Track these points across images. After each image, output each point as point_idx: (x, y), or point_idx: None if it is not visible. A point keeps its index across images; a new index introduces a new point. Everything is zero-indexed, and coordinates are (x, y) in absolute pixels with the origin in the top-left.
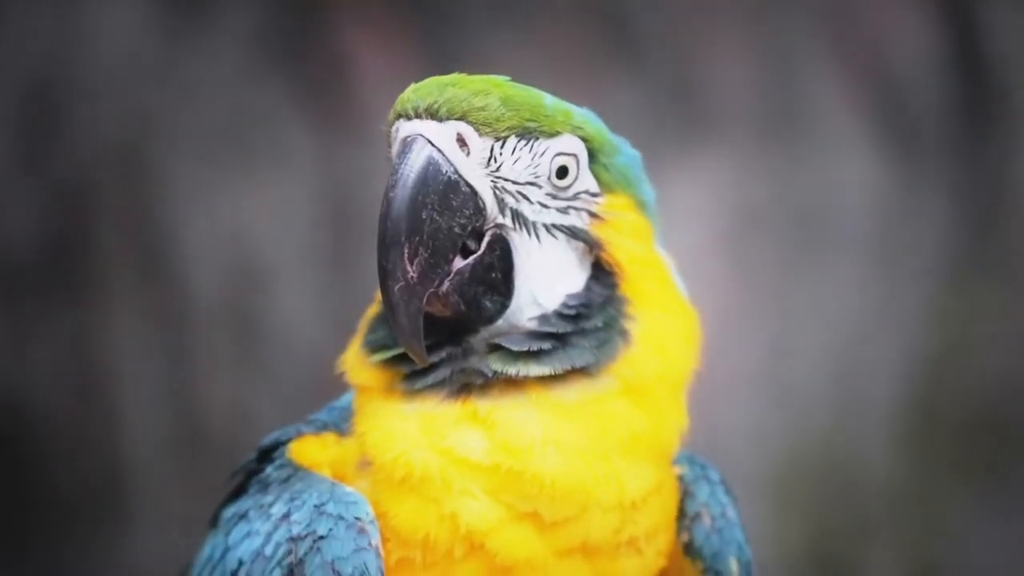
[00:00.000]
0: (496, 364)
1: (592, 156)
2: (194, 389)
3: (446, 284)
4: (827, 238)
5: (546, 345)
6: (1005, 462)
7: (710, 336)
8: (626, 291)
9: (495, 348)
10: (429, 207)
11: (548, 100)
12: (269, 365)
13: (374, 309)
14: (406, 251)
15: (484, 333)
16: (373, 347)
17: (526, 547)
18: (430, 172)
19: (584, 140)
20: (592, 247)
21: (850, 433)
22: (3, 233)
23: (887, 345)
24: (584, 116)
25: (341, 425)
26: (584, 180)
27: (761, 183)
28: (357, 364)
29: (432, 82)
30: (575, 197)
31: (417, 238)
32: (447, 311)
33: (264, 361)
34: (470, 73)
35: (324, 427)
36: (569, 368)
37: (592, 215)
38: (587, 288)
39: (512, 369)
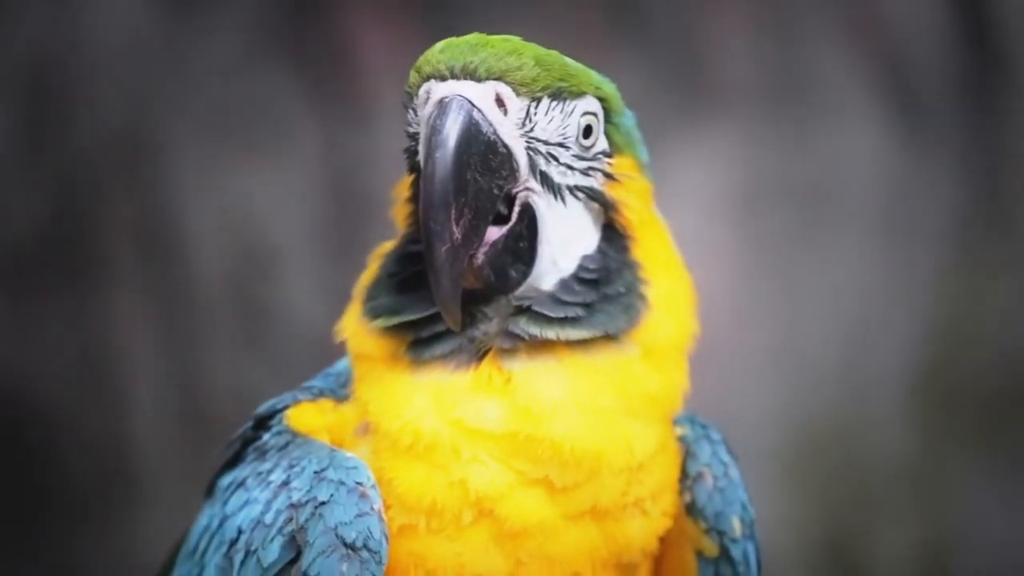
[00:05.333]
0: (532, 328)
1: (606, 116)
2: (199, 372)
3: (480, 255)
4: (835, 209)
5: (579, 311)
6: (1017, 434)
7: (719, 309)
8: (637, 255)
9: (522, 312)
10: (472, 168)
11: (568, 60)
12: (274, 347)
13: (368, 276)
14: (453, 212)
15: (501, 300)
16: (376, 313)
17: (536, 512)
18: (472, 133)
19: (601, 100)
20: (607, 209)
21: (861, 406)
22: (6, 218)
23: (897, 317)
24: (599, 76)
25: (337, 391)
26: (601, 140)
27: (768, 155)
28: (358, 331)
29: (460, 42)
30: (594, 158)
31: (463, 199)
32: (478, 284)
33: (269, 343)
34: None
35: (320, 394)
36: (602, 333)
37: (607, 176)
38: (600, 251)
39: (550, 332)
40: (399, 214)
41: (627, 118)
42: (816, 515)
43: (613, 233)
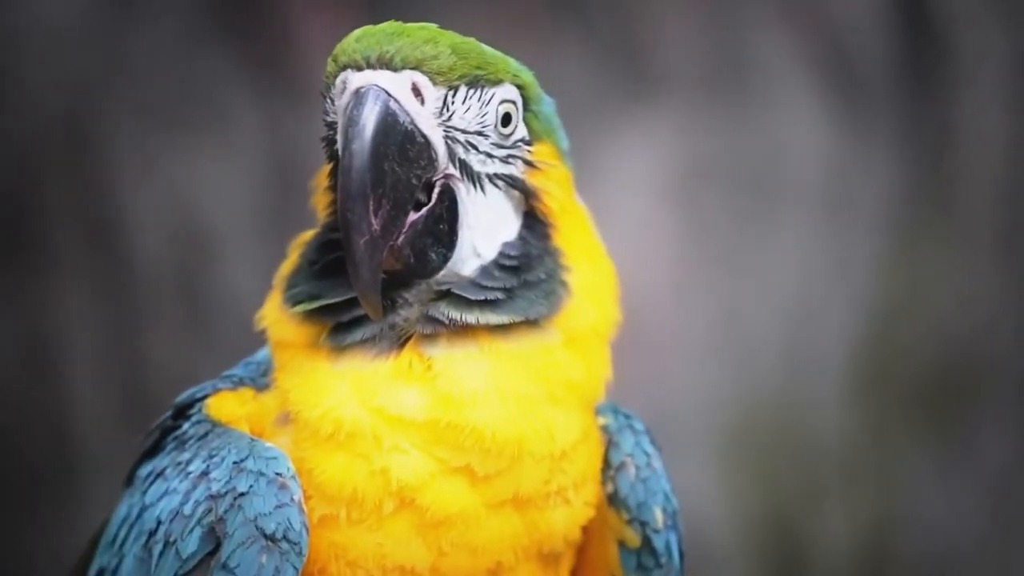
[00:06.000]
0: (452, 312)
1: (525, 104)
2: (142, 357)
3: (401, 237)
4: (776, 194)
5: (499, 295)
6: (956, 418)
7: (661, 291)
8: (559, 242)
9: (443, 296)
10: (390, 158)
11: (485, 47)
12: (217, 332)
13: (288, 265)
14: (371, 204)
15: (422, 285)
16: (296, 300)
17: (458, 501)
18: (389, 123)
19: (520, 87)
20: (527, 196)
21: (802, 388)
22: None
23: (838, 299)
24: (517, 64)
25: (258, 380)
26: (520, 128)
27: (709, 140)
28: (278, 319)
29: (376, 31)
30: (514, 145)
31: (380, 190)
32: (397, 265)
33: (212, 328)
34: None
35: (240, 382)
36: (522, 319)
37: (527, 163)
38: (521, 238)
39: (470, 317)
40: (319, 203)
41: (546, 105)
42: (757, 496)
43: (534, 220)
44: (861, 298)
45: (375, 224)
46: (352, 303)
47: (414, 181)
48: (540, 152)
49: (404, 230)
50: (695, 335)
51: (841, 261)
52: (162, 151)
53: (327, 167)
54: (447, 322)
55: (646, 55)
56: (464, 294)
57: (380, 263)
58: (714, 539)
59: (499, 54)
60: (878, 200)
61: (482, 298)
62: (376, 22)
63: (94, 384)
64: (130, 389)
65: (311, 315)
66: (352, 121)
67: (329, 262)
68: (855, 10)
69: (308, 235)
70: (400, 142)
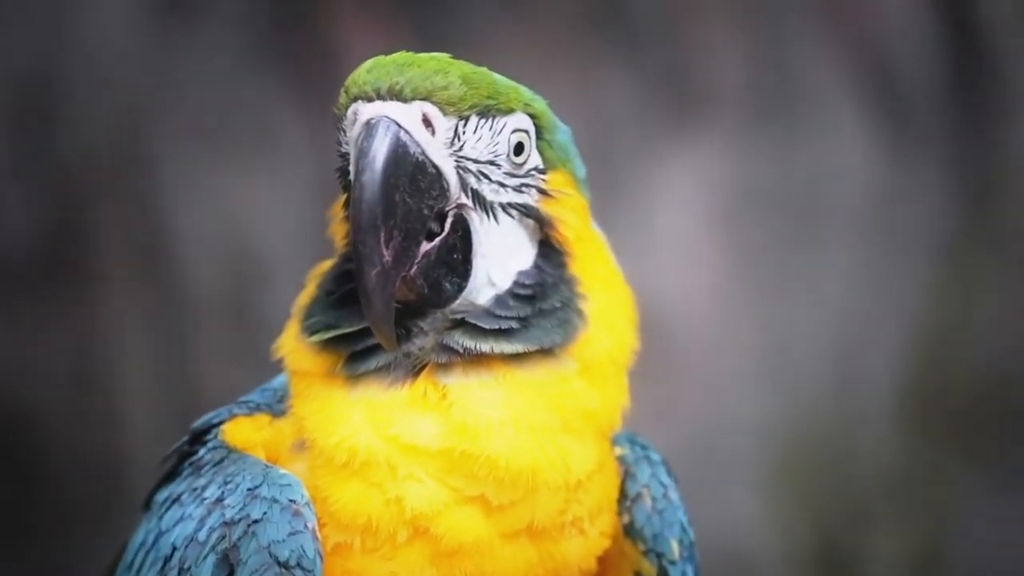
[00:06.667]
0: (467, 341)
1: (538, 132)
2: (194, 381)
3: (414, 268)
4: (823, 219)
5: (514, 324)
6: (1006, 442)
7: (706, 318)
8: (575, 270)
9: (458, 325)
10: (401, 190)
11: (497, 77)
12: (266, 352)
13: (306, 296)
14: (382, 235)
15: (437, 314)
16: (313, 330)
17: (472, 530)
18: (399, 154)
19: (532, 116)
20: (542, 225)
21: (850, 416)
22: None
23: (885, 326)
24: (530, 92)
25: (274, 406)
26: (534, 157)
27: (756, 165)
28: (296, 348)
29: (387, 62)
30: (527, 174)
31: (392, 221)
32: (411, 295)
33: (262, 353)
34: (468, 60)
35: (257, 408)
36: (537, 348)
37: (541, 192)
38: (536, 266)
39: (485, 346)
40: (336, 233)
41: (561, 133)
42: (804, 525)
43: (550, 249)
44: (909, 323)
45: (387, 255)
46: (368, 332)
47: (426, 211)
48: (554, 180)
49: (417, 260)
50: (742, 361)
51: (889, 286)
52: (212, 172)
53: (343, 197)
54: (462, 351)
55: (691, 80)
56: (479, 323)
57: (392, 294)
58: (762, 566)
59: (511, 83)
60: (926, 224)
61: (497, 327)
62: (423, 44)
63: (145, 405)
64: (180, 410)
65: (327, 344)
66: (363, 152)
67: (345, 292)
68: (903, 34)
69: (325, 265)
70: (411, 173)
